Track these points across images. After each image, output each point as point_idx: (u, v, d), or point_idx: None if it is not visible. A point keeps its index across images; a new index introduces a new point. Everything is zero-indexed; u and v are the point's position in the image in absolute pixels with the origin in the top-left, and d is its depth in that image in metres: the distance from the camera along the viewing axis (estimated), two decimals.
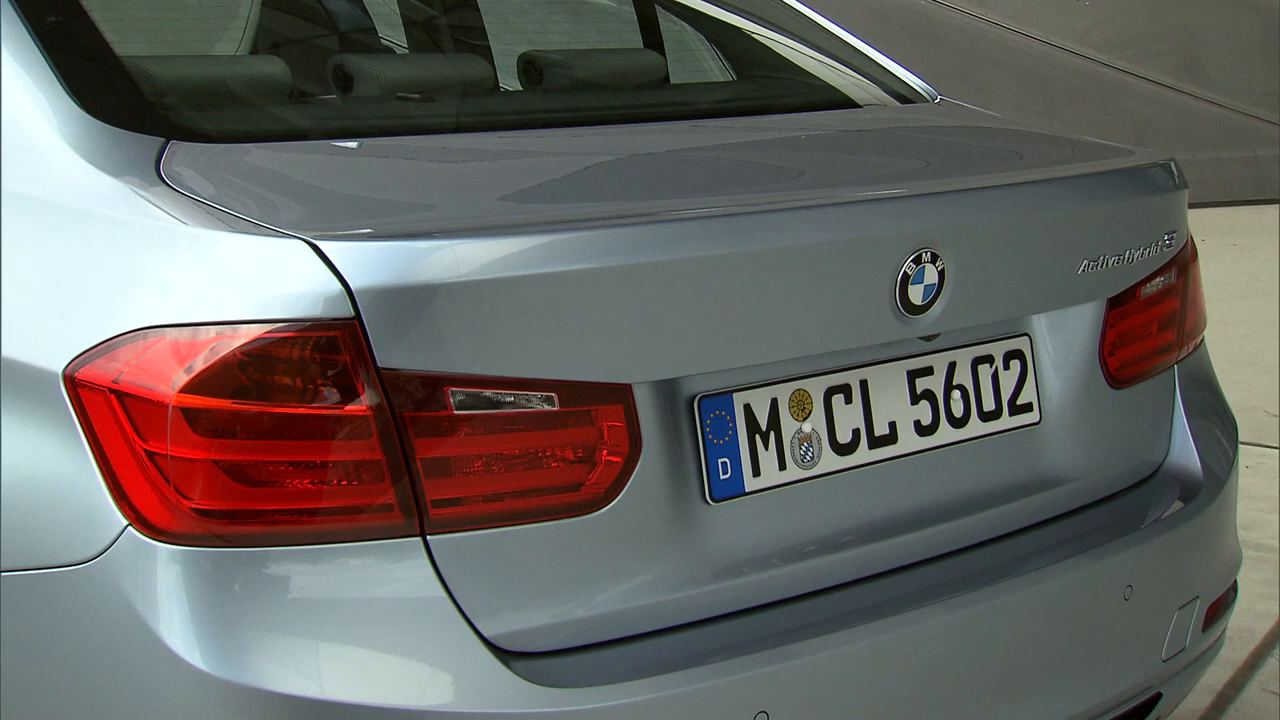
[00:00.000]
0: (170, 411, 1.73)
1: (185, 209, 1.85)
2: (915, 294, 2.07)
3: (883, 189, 2.26)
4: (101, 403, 1.76)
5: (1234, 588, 2.63)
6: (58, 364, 1.79)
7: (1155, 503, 2.49)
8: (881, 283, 2.05)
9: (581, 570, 1.89)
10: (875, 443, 2.13)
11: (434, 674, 1.80)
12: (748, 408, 2.02)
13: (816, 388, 2.08)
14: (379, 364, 1.75)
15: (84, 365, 1.78)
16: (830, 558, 2.09)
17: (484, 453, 1.82)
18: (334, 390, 1.76)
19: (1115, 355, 2.40)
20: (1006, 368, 2.28)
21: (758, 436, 2.02)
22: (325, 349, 1.75)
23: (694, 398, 1.98)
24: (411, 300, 1.76)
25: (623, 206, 2.07)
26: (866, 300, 2.05)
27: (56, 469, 1.79)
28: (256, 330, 1.74)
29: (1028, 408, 2.30)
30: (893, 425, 2.15)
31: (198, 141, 2.06)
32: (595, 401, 1.87)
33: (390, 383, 1.76)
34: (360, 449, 1.76)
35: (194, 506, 1.73)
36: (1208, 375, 2.72)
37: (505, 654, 1.82)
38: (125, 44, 2.25)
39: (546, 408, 1.84)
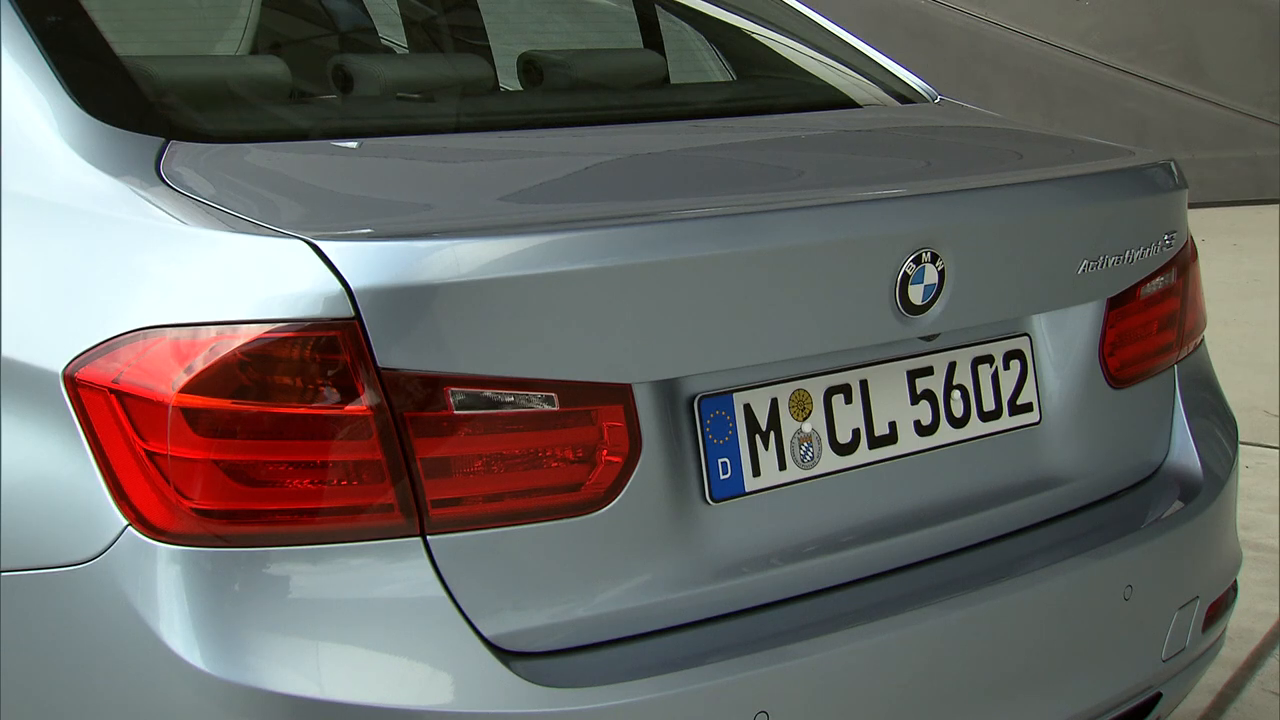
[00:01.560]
0: (170, 411, 1.73)
1: (185, 209, 1.85)
2: (915, 294, 2.07)
3: (883, 189, 2.26)
4: (101, 403, 1.76)
5: (1234, 588, 2.63)
6: (58, 364, 1.79)
7: (1155, 503, 2.49)
8: (882, 283, 2.05)
9: (581, 570, 1.89)
10: (875, 443, 2.13)
11: (434, 674, 1.80)
12: (748, 408, 2.02)
13: (816, 388, 2.08)
14: (379, 364, 1.75)
15: (84, 365, 1.78)
16: (830, 558, 2.09)
17: (484, 453, 1.82)
18: (334, 390, 1.76)
19: (1115, 355, 2.40)
20: (1006, 368, 2.28)
21: (758, 436, 2.02)
22: (325, 349, 1.75)
23: (694, 398, 1.98)
24: (411, 300, 1.76)
25: (623, 206, 2.07)
26: (867, 300, 2.05)
27: (56, 469, 1.79)
28: (256, 330, 1.74)
29: (1028, 408, 2.30)
30: (893, 425, 2.15)
31: (198, 141, 2.06)
32: (595, 401, 1.87)
33: (390, 383, 1.76)
34: (360, 449, 1.76)
35: (194, 506, 1.73)
36: (1208, 375, 2.72)
37: (505, 654, 1.82)
38: (125, 44, 2.24)
39: (546, 408, 1.84)
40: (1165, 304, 2.47)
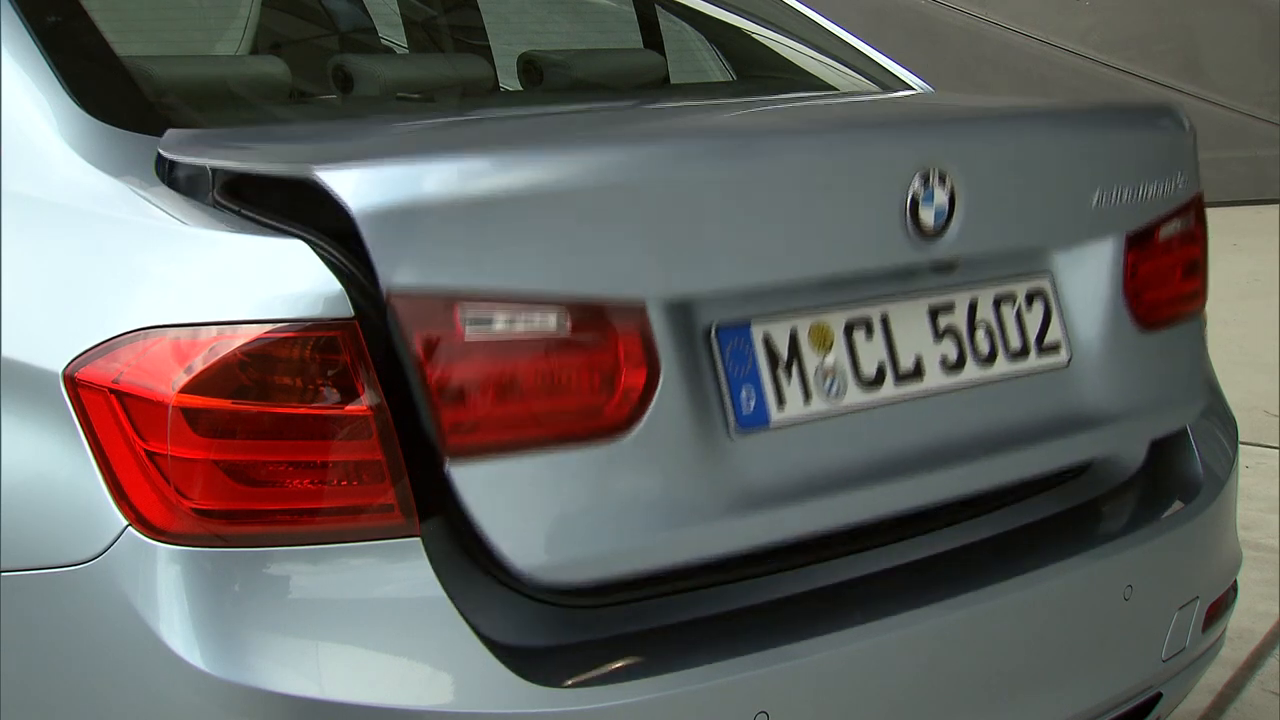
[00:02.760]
0: (170, 411, 1.73)
1: (185, 209, 1.86)
2: (927, 216, 2.05)
3: (887, 116, 2.25)
4: (101, 403, 1.76)
5: (1234, 588, 2.63)
6: (58, 364, 1.79)
7: (1155, 503, 2.49)
8: (891, 202, 2.02)
9: (604, 500, 1.85)
10: (901, 379, 2.10)
11: (434, 674, 1.80)
12: (767, 338, 2.00)
13: (836, 320, 2.06)
14: (387, 286, 1.72)
15: (84, 365, 1.78)
16: (858, 493, 2.05)
17: (499, 377, 1.79)
18: (334, 390, 1.76)
19: (1140, 297, 2.37)
20: (1029, 307, 2.25)
21: (780, 368, 2.00)
22: (325, 349, 1.75)
23: (711, 327, 1.96)
24: (416, 219, 1.73)
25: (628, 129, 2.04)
26: (878, 221, 2.03)
27: (56, 469, 1.79)
28: (256, 330, 1.74)
29: (1055, 347, 2.27)
30: (918, 362, 2.12)
31: None
32: (610, 321, 1.85)
33: (399, 305, 1.74)
34: (360, 449, 1.76)
35: (194, 506, 1.74)
36: (1208, 375, 2.72)
37: (505, 654, 1.82)
38: (125, 44, 2.25)
39: (562, 329, 1.82)
40: (1186, 250, 2.45)
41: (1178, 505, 2.49)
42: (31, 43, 2.02)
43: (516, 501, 1.81)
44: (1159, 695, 2.46)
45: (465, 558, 1.84)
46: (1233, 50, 12.18)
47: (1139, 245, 2.37)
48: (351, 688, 1.76)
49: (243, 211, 1.85)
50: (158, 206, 1.87)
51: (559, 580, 1.84)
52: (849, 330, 2.07)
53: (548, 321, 1.81)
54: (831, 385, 2.04)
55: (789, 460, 2.00)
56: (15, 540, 1.81)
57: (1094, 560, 2.30)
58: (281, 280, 1.76)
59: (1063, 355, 2.29)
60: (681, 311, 1.93)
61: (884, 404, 2.09)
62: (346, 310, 1.75)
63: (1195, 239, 2.48)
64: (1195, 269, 2.49)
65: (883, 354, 2.09)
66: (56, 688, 1.82)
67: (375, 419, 1.76)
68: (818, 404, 2.03)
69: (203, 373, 1.73)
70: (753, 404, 1.97)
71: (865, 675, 2.04)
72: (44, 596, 1.80)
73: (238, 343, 1.74)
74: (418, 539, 1.79)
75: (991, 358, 2.20)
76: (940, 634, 2.10)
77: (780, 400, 2.00)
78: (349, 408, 1.76)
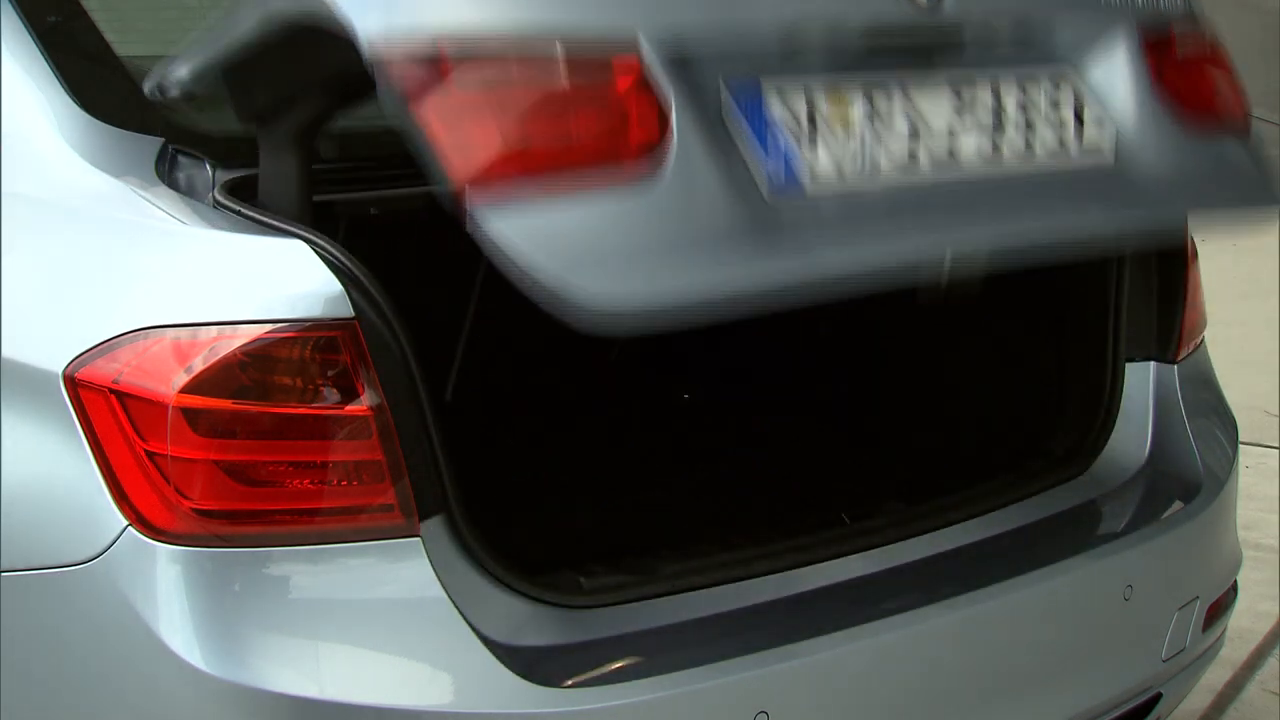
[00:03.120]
0: (170, 411, 1.74)
1: (185, 209, 1.86)
2: None
3: None
4: (101, 403, 1.76)
5: (1234, 588, 2.63)
6: (58, 364, 1.79)
7: (1155, 503, 2.49)
8: None
9: (640, 237, 1.74)
10: (936, 160, 2.00)
11: (434, 674, 1.80)
12: (784, 101, 1.89)
13: (854, 92, 1.95)
14: (369, 41, 1.64)
15: (84, 365, 1.78)
16: (900, 240, 1.93)
17: (500, 116, 1.70)
18: (334, 390, 1.76)
19: (1175, 99, 2.28)
20: (1057, 90, 2.15)
21: (803, 133, 1.89)
22: (325, 349, 1.75)
23: (719, 83, 1.84)
24: None
25: None
26: None
27: (56, 469, 1.79)
28: (256, 330, 1.74)
29: (1095, 133, 2.18)
30: (952, 143, 2.02)
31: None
32: (605, 56, 1.75)
33: (382, 58, 1.65)
34: (360, 449, 1.77)
35: (194, 506, 1.74)
36: (1208, 375, 2.72)
37: (505, 654, 1.82)
38: (125, 44, 2.25)
39: (555, 65, 1.73)
40: (1210, 64, 2.37)
41: (1178, 505, 2.49)
42: (31, 43, 2.03)
43: (563, 243, 1.68)
44: (1159, 695, 2.46)
45: (465, 558, 1.84)
46: (1233, 50, 12.17)
47: (1158, 50, 2.26)
48: (351, 688, 1.76)
49: (243, 211, 1.86)
50: (158, 206, 1.87)
51: (608, 300, 1.68)
52: (869, 97, 1.95)
53: (540, 58, 1.72)
54: (863, 157, 1.92)
55: (829, 220, 1.88)
56: (15, 540, 1.81)
57: (1094, 560, 2.30)
58: (281, 280, 1.76)
59: (1104, 141, 2.17)
60: (683, 65, 1.80)
61: (920, 184, 1.97)
62: (346, 310, 1.75)
63: (1218, 62, 2.38)
64: (1226, 87, 2.40)
65: (911, 128, 1.97)
66: (57, 688, 1.82)
67: (375, 419, 1.77)
68: (850, 174, 1.91)
69: (203, 373, 1.73)
70: (783, 170, 1.85)
71: (865, 675, 2.04)
72: (44, 596, 1.80)
73: (238, 343, 1.74)
74: (418, 539, 1.79)
75: (1029, 144, 2.09)
76: (940, 634, 2.10)
77: (812, 166, 1.88)
78: (349, 408, 1.76)
